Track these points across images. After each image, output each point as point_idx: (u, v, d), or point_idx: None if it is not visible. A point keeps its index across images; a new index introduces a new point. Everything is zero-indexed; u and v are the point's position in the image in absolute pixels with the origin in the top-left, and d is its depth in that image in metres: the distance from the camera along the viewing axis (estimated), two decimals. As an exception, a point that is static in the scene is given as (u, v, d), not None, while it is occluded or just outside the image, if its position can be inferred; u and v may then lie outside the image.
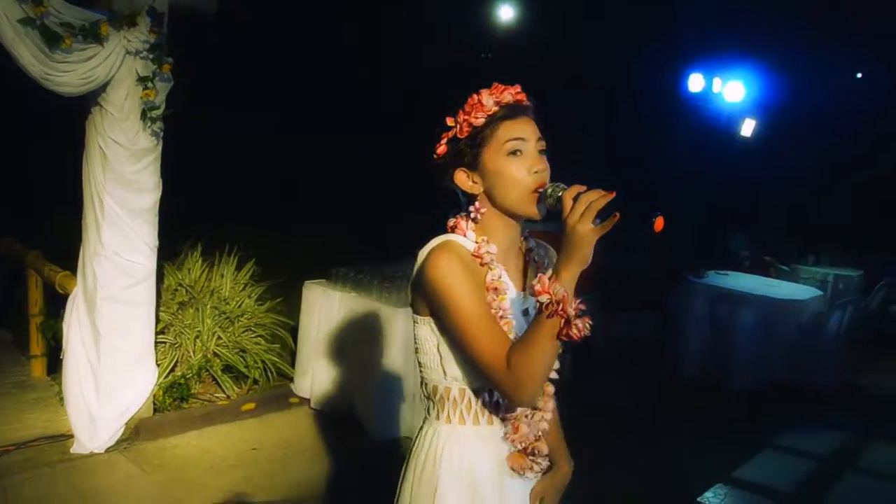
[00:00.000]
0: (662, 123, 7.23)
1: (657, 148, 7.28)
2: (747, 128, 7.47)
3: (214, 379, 4.52)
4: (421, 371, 1.60)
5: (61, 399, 4.11)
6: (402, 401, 4.04)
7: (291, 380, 4.65)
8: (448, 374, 1.53)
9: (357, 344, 4.25)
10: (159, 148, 3.93)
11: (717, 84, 7.07)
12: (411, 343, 1.87)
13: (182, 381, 4.29)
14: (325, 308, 4.41)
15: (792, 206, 7.90)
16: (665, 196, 7.14)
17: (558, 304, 1.31)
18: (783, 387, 5.65)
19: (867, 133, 7.80)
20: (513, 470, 1.56)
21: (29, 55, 3.33)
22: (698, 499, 3.83)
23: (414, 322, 1.58)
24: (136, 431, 3.97)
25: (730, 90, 7.15)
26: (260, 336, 4.66)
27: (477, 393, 1.54)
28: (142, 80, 3.71)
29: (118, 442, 3.90)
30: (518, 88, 1.54)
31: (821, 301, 6.11)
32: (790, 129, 7.89)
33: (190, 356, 4.44)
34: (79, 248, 3.94)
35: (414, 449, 1.62)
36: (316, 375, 4.44)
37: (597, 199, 1.30)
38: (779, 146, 7.82)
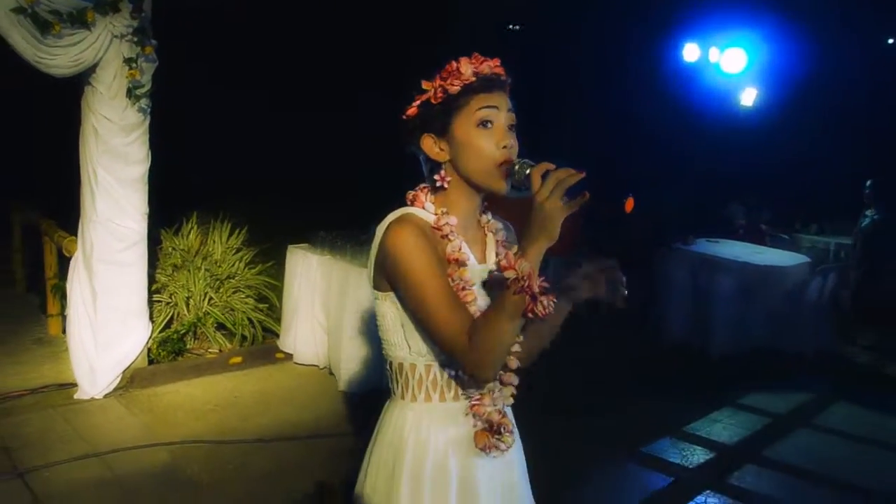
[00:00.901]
0: (656, 92, 7.37)
1: (652, 118, 7.44)
2: (748, 97, 7.55)
3: (208, 336, 4.99)
4: (385, 348, 1.57)
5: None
6: (374, 356, 4.43)
7: (278, 336, 5.08)
8: (413, 350, 1.51)
9: (332, 302, 4.65)
10: (147, 123, 4.36)
11: (713, 53, 7.17)
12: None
13: (175, 336, 4.77)
14: (305, 270, 4.82)
15: (796, 175, 7.97)
16: (658, 165, 7.35)
17: (524, 280, 1.30)
18: (763, 353, 5.83)
19: (878, 104, 7.81)
20: (479, 449, 1.53)
21: (22, 41, 3.78)
22: (642, 449, 4.13)
23: (375, 298, 1.55)
24: (132, 380, 4.46)
25: (728, 60, 7.23)
26: (249, 297, 5.10)
27: (442, 368, 1.52)
28: (127, 61, 4.13)
29: (115, 389, 4.39)
30: (497, 62, 1.52)
31: (805, 269, 6.23)
32: (798, 99, 7.94)
33: (184, 314, 4.91)
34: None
35: (379, 428, 1.60)
36: (298, 332, 4.87)
37: (566, 177, 1.28)
38: (785, 115, 7.87)
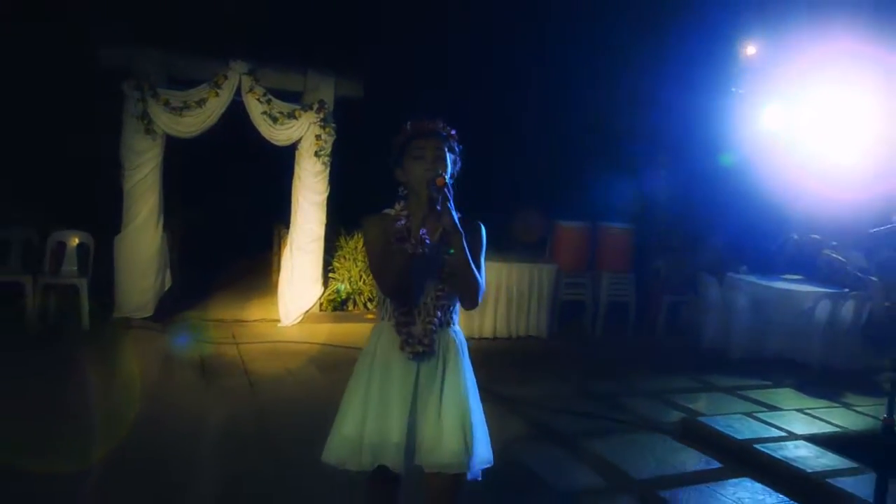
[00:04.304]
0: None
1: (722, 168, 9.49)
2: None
3: (358, 303, 8.50)
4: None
5: (280, 301, 8.42)
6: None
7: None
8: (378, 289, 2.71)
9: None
10: (327, 170, 8.03)
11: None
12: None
13: (338, 299, 8.35)
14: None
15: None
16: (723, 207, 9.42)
17: (409, 231, 2.60)
18: (775, 359, 7.78)
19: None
20: (400, 349, 2.61)
21: (265, 126, 7.68)
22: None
23: None
24: (307, 318, 8.10)
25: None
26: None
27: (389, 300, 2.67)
28: (317, 136, 7.87)
29: (297, 322, 8.05)
30: (437, 123, 2.68)
31: (820, 295, 7.96)
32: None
33: (347, 287, 8.48)
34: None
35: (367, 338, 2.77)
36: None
37: (431, 178, 2.52)
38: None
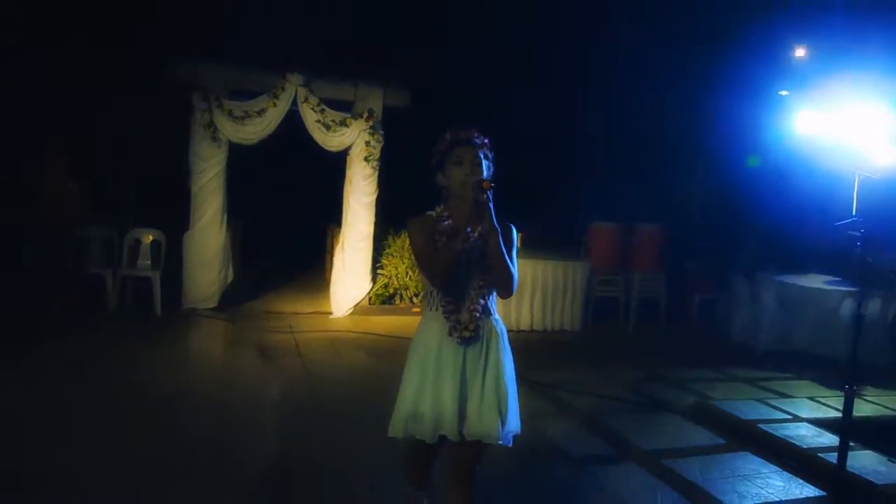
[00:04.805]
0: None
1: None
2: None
3: (405, 298, 9.18)
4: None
5: (332, 295, 9.15)
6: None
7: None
8: (428, 283, 2.99)
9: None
10: (376, 174, 8.73)
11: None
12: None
13: (385, 293, 9.04)
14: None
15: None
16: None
17: (456, 232, 2.87)
18: (801, 354, 8.18)
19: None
20: (448, 335, 2.93)
21: (318, 133, 8.42)
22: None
23: None
24: (357, 310, 8.80)
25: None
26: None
27: (436, 291, 2.96)
28: (366, 143, 8.58)
29: (348, 314, 8.76)
30: (473, 132, 2.98)
31: (844, 294, 8.33)
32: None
33: (394, 282, 9.16)
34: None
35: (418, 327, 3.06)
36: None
37: (476, 181, 2.82)
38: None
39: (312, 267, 10.81)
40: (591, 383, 6.60)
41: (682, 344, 8.80)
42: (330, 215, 9.66)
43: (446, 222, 2.95)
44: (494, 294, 3.05)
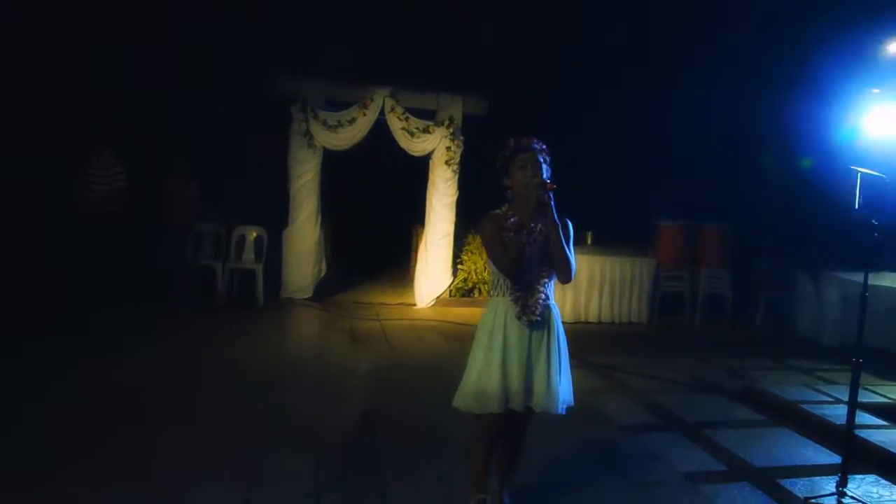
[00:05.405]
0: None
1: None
2: None
3: (482, 291, 9.95)
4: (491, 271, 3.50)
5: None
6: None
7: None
8: (496, 272, 3.43)
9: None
10: (455, 177, 9.55)
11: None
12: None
13: (465, 286, 9.84)
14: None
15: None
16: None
17: (521, 227, 3.31)
18: (865, 349, 8.51)
19: None
20: (516, 318, 3.34)
21: (404, 140, 9.31)
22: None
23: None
24: (438, 302, 9.64)
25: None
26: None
27: (504, 279, 3.39)
28: (447, 148, 9.41)
29: (430, 305, 9.61)
30: (532, 139, 3.40)
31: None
32: None
33: (472, 277, 9.96)
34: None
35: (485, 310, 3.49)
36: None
37: (539, 183, 3.23)
38: None
39: (398, 263, 11.72)
40: (649, 367, 7.22)
41: (744, 337, 9.25)
42: (414, 215, 10.53)
43: (512, 219, 3.36)
44: (553, 282, 3.46)
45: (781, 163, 10.88)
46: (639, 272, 9.36)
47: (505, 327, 3.36)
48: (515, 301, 3.35)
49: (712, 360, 7.81)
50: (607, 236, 9.77)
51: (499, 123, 9.07)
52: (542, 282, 3.40)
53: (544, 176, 3.32)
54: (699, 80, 10.83)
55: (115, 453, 4.28)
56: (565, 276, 3.38)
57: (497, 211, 3.45)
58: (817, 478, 4.64)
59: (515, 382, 3.34)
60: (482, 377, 3.36)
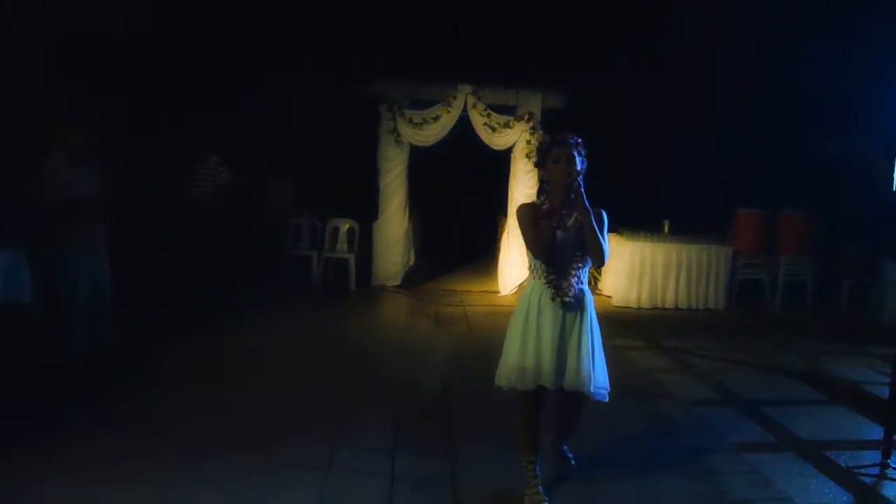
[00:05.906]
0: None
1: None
2: None
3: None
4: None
5: (499, 276, 10.58)
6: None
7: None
8: (532, 256, 3.69)
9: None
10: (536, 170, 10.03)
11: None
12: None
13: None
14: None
15: None
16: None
17: (554, 212, 3.55)
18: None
19: None
20: (550, 299, 3.62)
21: (485, 134, 9.86)
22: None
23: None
24: (521, 288, 10.15)
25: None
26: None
27: (540, 263, 3.67)
28: (527, 142, 9.90)
29: (513, 292, 10.13)
30: (568, 135, 3.64)
31: None
32: None
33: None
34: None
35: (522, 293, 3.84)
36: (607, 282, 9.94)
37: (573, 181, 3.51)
38: None
39: (484, 252, 12.30)
40: (718, 350, 7.55)
41: (823, 324, 9.35)
42: (499, 206, 11.08)
43: (547, 206, 3.61)
44: (587, 268, 3.72)
45: (868, 150, 10.87)
46: (715, 259, 9.62)
47: (539, 309, 3.64)
48: (549, 283, 3.63)
49: (785, 343, 8.04)
50: (685, 224, 10.05)
51: (579, 116, 9.50)
52: (576, 266, 3.65)
53: (578, 168, 3.56)
54: (786, 67, 10.92)
55: (239, 404, 5.16)
56: (598, 259, 3.64)
57: (535, 200, 3.80)
58: (864, 451, 4.89)
59: (547, 362, 3.59)
60: (519, 355, 3.65)
